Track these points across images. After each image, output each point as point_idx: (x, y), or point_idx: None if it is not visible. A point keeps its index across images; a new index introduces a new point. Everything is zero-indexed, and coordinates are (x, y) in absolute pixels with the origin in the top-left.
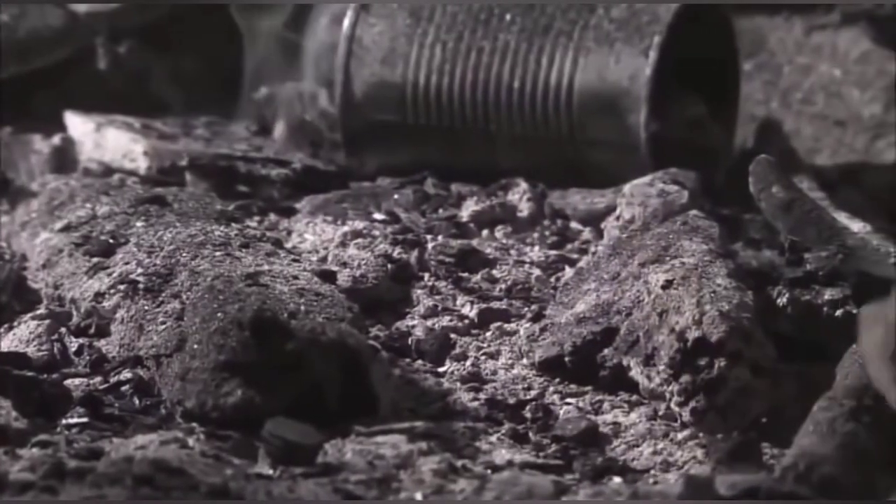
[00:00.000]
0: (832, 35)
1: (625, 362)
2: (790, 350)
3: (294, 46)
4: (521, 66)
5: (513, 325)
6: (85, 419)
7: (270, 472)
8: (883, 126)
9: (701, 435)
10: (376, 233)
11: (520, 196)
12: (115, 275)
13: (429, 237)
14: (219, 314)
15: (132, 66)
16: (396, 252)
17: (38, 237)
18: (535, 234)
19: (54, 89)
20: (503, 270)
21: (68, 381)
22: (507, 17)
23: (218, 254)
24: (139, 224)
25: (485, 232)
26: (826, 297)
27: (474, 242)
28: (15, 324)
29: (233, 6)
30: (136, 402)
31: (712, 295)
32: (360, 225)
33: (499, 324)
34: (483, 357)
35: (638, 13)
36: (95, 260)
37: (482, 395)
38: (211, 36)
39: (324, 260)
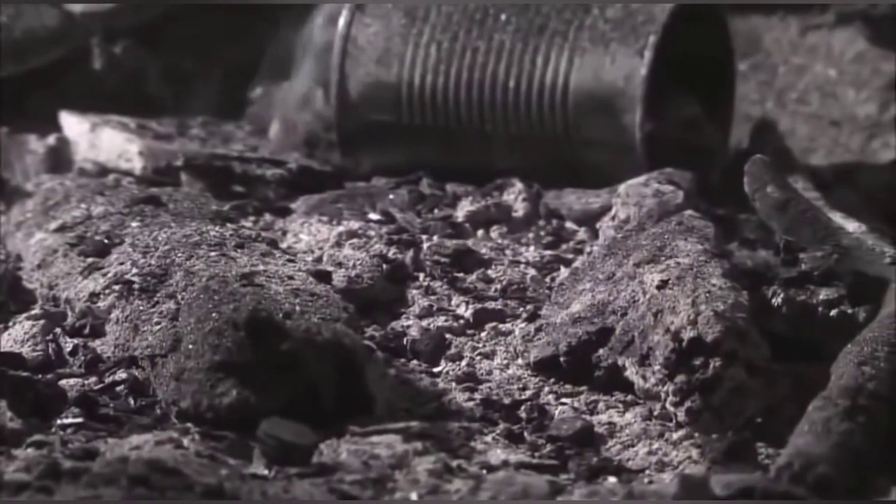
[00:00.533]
0: (827, 35)
1: (620, 362)
2: (785, 350)
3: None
4: (517, 66)
5: (508, 326)
6: (80, 419)
7: (265, 472)
8: (878, 126)
9: (696, 435)
10: (371, 233)
11: (515, 196)
12: (109, 275)
13: (424, 237)
14: (214, 314)
15: (128, 66)
16: (392, 252)
17: (33, 237)
18: (531, 235)
19: (50, 89)
20: (498, 270)
21: (63, 382)
22: (503, 16)
23: (213, 254)
24: (134, 224)
25: (480, 232)
26: (821, 297)
27: (469, 242)
28: (10, 324)
29: None
30: (131, 402)
31: (707, 295)
32: (355, 225)
33: (494, 324)
34: (478, 357)
35: (633, 13)
36: (90, 260)
37: (477, 396)
38: (207, 35)
39: (319, 260)
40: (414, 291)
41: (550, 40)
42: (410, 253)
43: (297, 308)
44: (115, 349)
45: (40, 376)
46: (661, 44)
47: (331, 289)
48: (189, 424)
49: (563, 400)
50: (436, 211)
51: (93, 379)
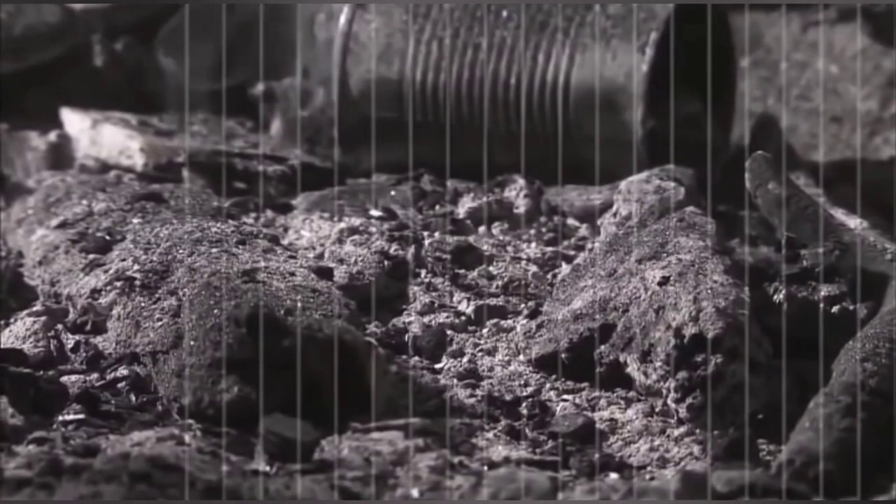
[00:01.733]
0: (829, 31)
1: (621, 359)
2: (786, 346)
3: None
4: (518, 62)
5: (509, 322)
6: (81, 416)
7: (267, 468)
8: (879, 122)
9: (697, 431)
10: (373, 229)
11: (516, 193)
12: (111, 271)
13: (425, 234)
14: (215, 311)
15: (128, 63)
16: (393, 249)
17: (35, 234)
18: (532, 231)
19: (51, 86)
20: (500, 267)
21: (64, 378)
22: (504, 13)
23: (214, 250)
24: (135, 221)
25: (481, 228)
26: (822, 293)
27: (471, 239)
28: (11, 320)
29: None
30: (133, 398)
31: (709, 291)
32: (356, 221)
33: (495, 320)
34: (479, 353)
35: (634, 10)
36: (92, 257)
37: (479, 392)
38: (207, 32)
39: (320, 256)
40: (415, 288)
41: (552, 37)
42: (412, 249)
43: (299, 304)
44: (116, 346)
45: (41, 373)
46: (663, 40)
47: (332, 285)
48: (190, 421)
49: (565, 396)
50: (437, 207)
51: (94, 375)
